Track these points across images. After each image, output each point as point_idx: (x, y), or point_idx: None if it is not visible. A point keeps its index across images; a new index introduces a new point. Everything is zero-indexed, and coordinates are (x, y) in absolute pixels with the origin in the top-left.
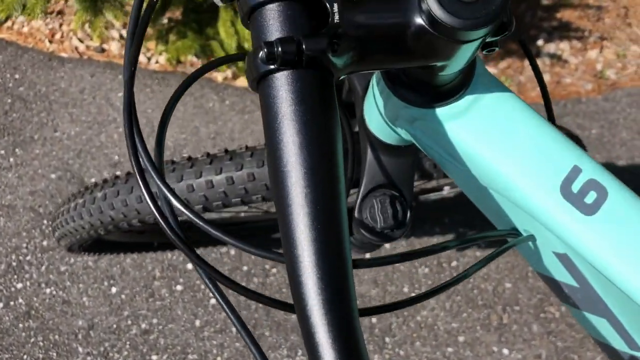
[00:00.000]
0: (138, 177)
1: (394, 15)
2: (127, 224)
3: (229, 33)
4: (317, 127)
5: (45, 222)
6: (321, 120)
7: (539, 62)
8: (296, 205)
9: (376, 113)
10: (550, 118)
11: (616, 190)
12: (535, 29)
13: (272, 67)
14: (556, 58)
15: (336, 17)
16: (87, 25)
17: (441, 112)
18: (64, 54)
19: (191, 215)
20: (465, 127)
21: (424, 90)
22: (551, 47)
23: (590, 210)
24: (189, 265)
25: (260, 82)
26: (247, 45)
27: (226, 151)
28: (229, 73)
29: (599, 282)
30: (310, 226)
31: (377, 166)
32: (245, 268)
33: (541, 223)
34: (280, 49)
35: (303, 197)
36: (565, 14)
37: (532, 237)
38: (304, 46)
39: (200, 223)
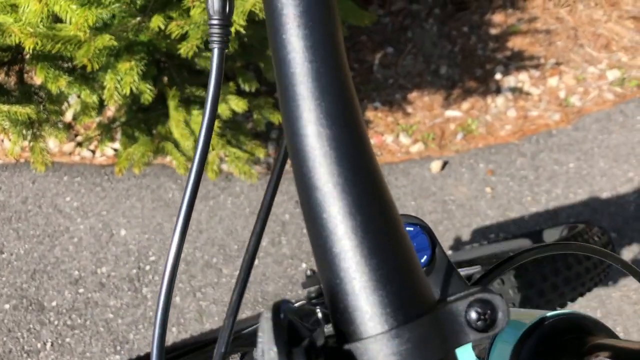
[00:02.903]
0: None
1: None
2: None
3: (184, 134)
4: None
5: None
6: None
7: (500, 98)
8: None
9: None
10: None
11: None
12: (490, 62)
13: None
14: (518, 91)
15: None
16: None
17: None
18: None
19: None
20: None
21: None
22: (511, 80)
23: None
24: None
25: None
26: None
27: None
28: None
29: None
30: None
31: None
32: None
33: None
34: None
35: None
36: (517, 42)
37: None
38: None
39: None
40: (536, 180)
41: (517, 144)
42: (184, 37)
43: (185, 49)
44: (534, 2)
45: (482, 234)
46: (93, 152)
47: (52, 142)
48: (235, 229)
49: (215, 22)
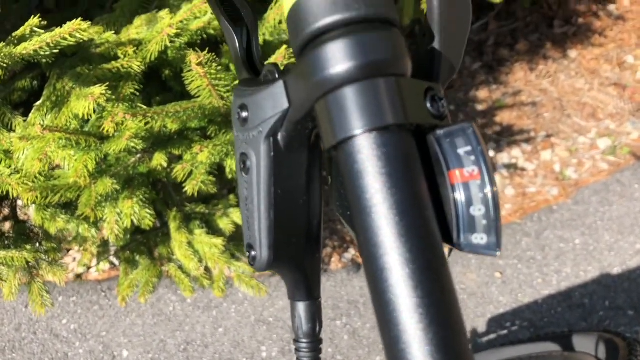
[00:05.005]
0: None
1: None
2: None
3: (187, 255)
4: None
5: None
6: None
7: (496, 177)
8: None
9: None
10: None
11: None
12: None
13: None
14: (513, 168)
15: None
16: None
17: None
18: None
19: None
20: None
21: None
22: (504, 157)
23: None
24: None
25: None
26: (211, 263)
27: None
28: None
29: None
30: None
31: None
32: None
33: None
34: None
35: None
36: (504, 117)
37: None
38: None
39: None
40: (544, 261)
41: (520, 223)
42: (188, 175)
43: (191, 187)
44: (516, 75)
45: (497, 324)
46: (88, 267)
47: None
48: (242, 340)
49: (304, 344)
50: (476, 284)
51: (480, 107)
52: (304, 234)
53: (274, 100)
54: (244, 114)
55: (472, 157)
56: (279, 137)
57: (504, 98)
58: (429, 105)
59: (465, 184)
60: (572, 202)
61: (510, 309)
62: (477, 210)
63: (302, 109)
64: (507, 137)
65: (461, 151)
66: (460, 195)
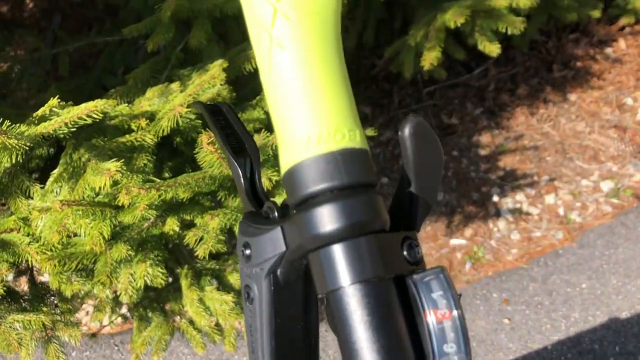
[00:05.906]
0: None
1: None
2: None
3: (198, 312)
4: None
5: None
6: None
7: (502, 221)
8: None
9: None
10: None
11: None
12: (484, 185)
13: None
14: (517, 212)
15: None
16: None
17: None
18: None
19: None
20: None
21: None
22: (508, 202)
23: None
24: None
25: None
26: (221, 319)
27: None
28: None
29: None
30: None
31: None
32: None
33: None
34: None
35: None
36: (507, 161)
37: None
38: None
39: None
40: (552, 306)
41: (526, 268)
42: (199, 239)
43: (202, 251)
44: (517, 119)
45: None
46: (100, 322)
47: None
48: None
49: None
50: (485, 330)
51: (483, 152)
52: (303, 355)
53: (273, 244)
54: (247, 252)
55: (444, 300)
56: (278, 272)
57: (506, 142)
58: (405, 253)
59: (439, 323)
60: (578, 245)
61: (520, 356)
62: (450, 348)
63: (297, 253)
64: (510, 181)
65: (435, 295)
66: (434, 334)
